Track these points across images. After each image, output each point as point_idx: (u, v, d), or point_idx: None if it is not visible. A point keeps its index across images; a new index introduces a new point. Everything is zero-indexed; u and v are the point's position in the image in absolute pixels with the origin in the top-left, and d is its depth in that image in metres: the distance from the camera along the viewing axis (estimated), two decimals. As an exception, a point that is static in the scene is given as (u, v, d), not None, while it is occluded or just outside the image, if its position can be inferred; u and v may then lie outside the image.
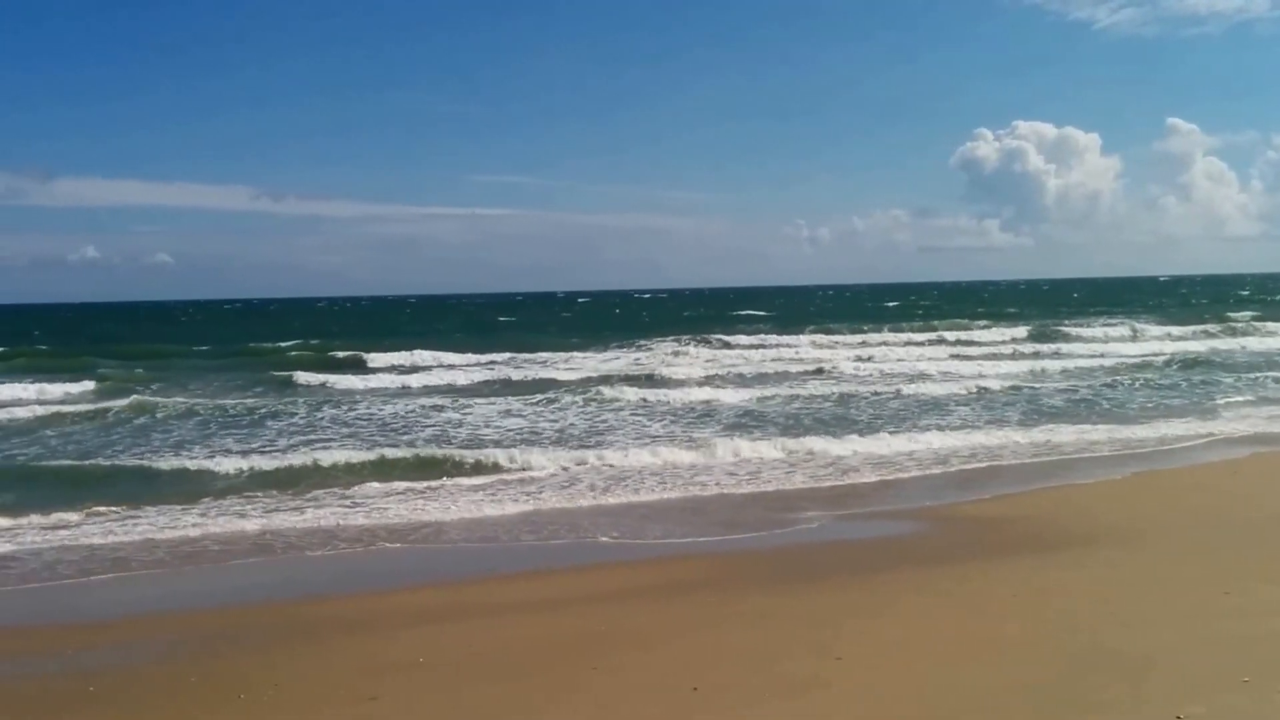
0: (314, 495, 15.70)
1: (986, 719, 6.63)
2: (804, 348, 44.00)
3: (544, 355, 41.46)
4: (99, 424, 23.33)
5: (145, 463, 18.39)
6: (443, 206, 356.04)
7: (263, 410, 24.81)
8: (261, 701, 7.42)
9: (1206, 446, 18.85)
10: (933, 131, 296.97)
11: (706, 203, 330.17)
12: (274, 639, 9.06)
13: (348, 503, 15.18)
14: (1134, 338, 47.95)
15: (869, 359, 38.06)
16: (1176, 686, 6.97)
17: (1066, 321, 58.33)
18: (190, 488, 16.24)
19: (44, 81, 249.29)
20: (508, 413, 24.34)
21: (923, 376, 31.51)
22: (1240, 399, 25.55)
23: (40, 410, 25.06)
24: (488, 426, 22.46)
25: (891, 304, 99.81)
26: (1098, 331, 49.95)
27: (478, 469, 17.42)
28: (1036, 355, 39.84)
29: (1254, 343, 44.24)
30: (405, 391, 30.66)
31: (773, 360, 38.22)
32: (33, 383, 31.72)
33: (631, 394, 26.87)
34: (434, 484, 16.32)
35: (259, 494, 15.82)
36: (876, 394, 27.34)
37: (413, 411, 24.61)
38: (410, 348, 42.88)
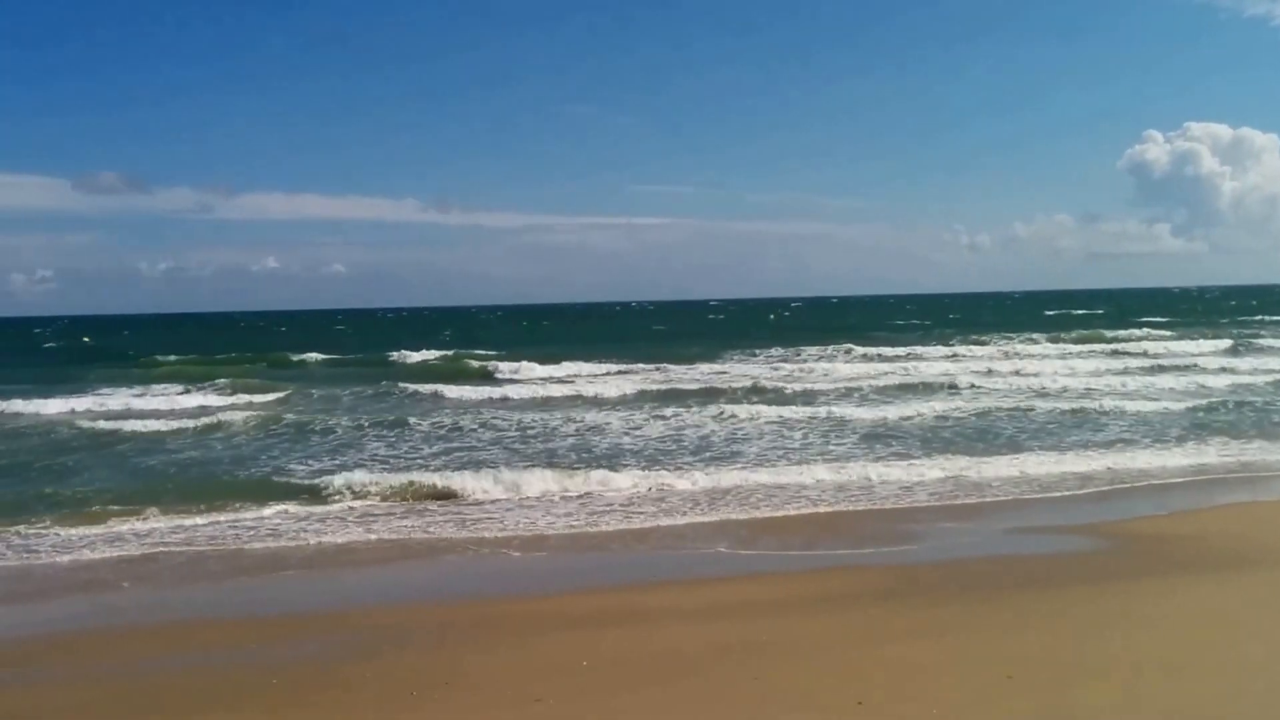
0: (474, 502, 16.09)
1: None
2: (964, 358, 42.60)
3: (691, 364, 41.55)
4: (259, 431, 24.27)
5: (305, 468, 19.19)
6: (601, 216, 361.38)
7: (410, 418, 25.31)
8: (432, 699, 7.64)
9: None
10: (1099, 134, 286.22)
11: (864, 209, 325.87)
12: (444, 639, 9.32)
13: (503, 510, 15.52)
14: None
15: (1027, 371, 36.40)
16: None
17: (1264, 332, 54.99)
18: (346, 495, 16.77)
19: (231, 105, 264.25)
20: (649, 423, 24.28)
21: (1125, 394, 29.33)
22: None
23: (225, 417, 26.25)
24: (628, 436, 22.59)
25: (1052, 312, 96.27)
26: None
27: (620, 480, 17.46)
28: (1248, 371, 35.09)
29: None
30: (548, 401, 30.71)
31: (924, 369, 37.25)
32: (211, 391, 33.48)
33: (773, 406, 26.51)
34: (584, 493, 16.52)
35: (416, 502, 16.29)
36: (1061, 411, 26.08)
37: (556, 421, 24.76)
38: (561, 357, 43.39)
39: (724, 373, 38.01)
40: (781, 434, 22.53)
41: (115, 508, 15.47)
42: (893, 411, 25.24)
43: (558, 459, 19.65)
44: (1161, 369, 36.46)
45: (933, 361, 41.30)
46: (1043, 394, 29.63)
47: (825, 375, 36.67)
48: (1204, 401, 26.52)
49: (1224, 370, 35.46)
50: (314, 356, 50.42)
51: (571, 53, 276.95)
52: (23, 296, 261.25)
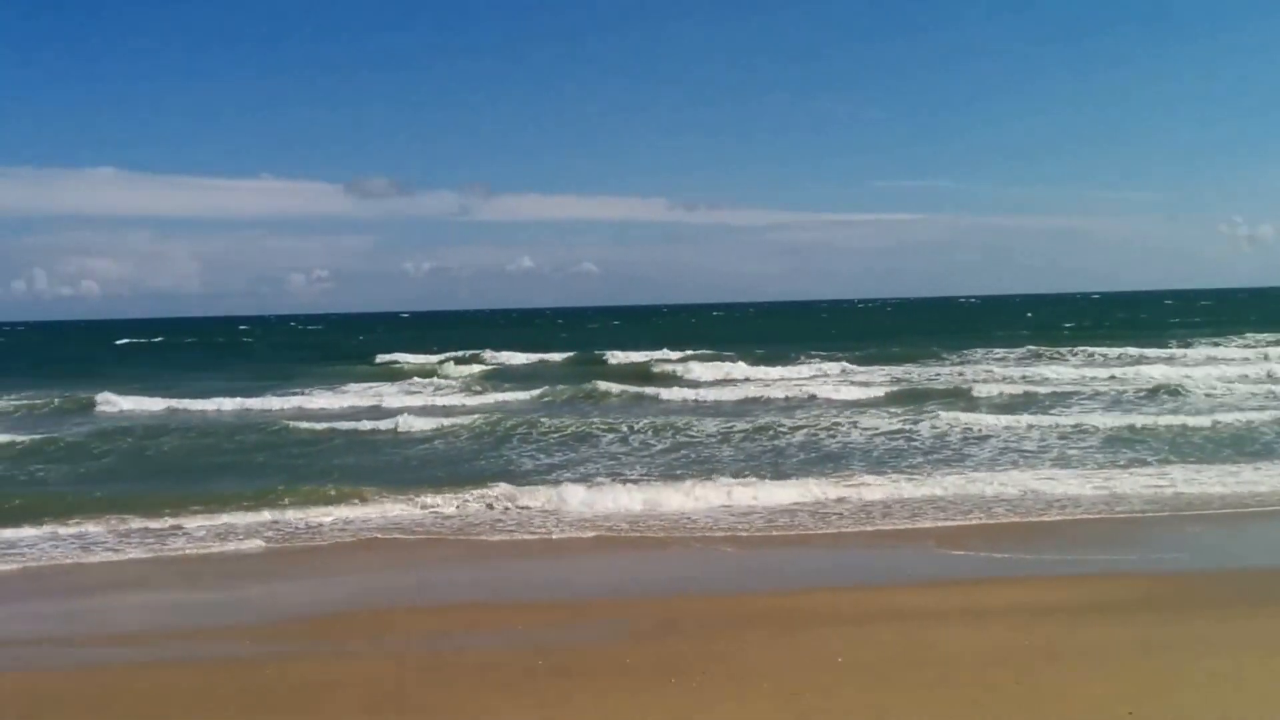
0: (721, 506, 16.36)
1: None
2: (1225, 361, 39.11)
3: (931, 363, 40.61)
4: (495, 428, 25.32)
5: (535, 463, 20.10)
6: (847, 212, 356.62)
7: (645, 418, 25.39)
8: (690, 687, 7.85)
9: None
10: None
11: (1130, 201, 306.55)
12: (707, 628, 9.54)
13: (749, 509, 15.71)
14: None
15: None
16: None
17: None
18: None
19: (490, 111, 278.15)
20: (886, 423, 23.71)
21: None
22: None
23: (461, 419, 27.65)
24: (862, 436, 22.26)
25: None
26: None
27: (866, 480, 17.29)
28: None
29: None
30: (785, 401, 30.13)
31: (1182, 372, 34.29)
32: (451, 392, 35.12)
33: (1017, 411, 25.42)
34: (822, 498, 16.33)
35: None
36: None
37: (793, 421, 24.34)
38: (800, 356, 43.12)
39: (961, 373, 36.61)
40: (1026, 437, 21.61)
41: (387, 494, 16.55)
42: (1141, 418, 23.64)
43: (789, 460, 19.76)
44: None
45: (1192, 366, 37.79)
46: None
47: (1074, 376, 34.72)
48: None
49: None
50: (555, 357, 51.10)
51: (818, 47, 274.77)
52: (301, 295, 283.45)
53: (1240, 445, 20.21)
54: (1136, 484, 16.61)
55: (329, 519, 15.16)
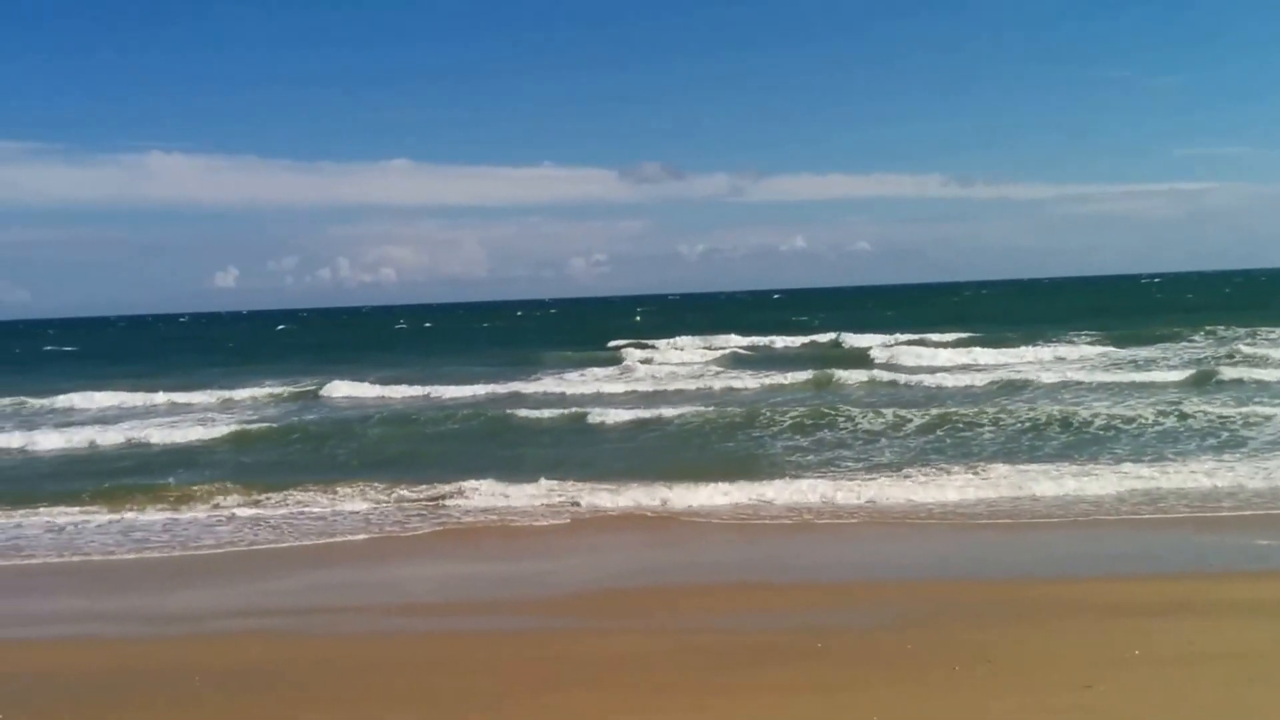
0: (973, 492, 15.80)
1: None
2: None
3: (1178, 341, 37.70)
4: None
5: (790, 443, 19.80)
6: (1141, 183, 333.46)
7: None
8: (974, 675, 7.64)
9: None
10: None
11: None
12: (985, 616, 9.28)
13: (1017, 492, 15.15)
14: None
15: None
16: None
17: None
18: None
19: (761, 93, 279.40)
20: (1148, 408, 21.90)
21: None
22: None
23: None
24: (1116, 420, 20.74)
25: None
26: None
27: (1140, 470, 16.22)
28: None
29: None
30: (1025, 385, 27.79)
31: None
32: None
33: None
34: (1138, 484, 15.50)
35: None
36: None
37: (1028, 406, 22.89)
38: (1055, 336, 40.68)
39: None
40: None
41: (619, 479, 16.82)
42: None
43: (1049, 444, 18.84)
44: None
45: None
46: None
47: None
48: None
49: None
50: (819, 338, 50.14)
51: (1102, 9, 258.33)
52: (582, 279, 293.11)
53: None
54: None
55: (607, 500, 15.53)
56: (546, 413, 25.21)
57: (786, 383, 29.51)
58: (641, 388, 30.91)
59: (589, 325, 76.32)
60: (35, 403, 32.27)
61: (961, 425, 20.95)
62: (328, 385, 33.21)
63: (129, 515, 15.86)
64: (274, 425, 25.24)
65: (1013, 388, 27.25)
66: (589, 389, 31.02)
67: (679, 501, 15.17)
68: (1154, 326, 45.13)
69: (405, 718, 7.37)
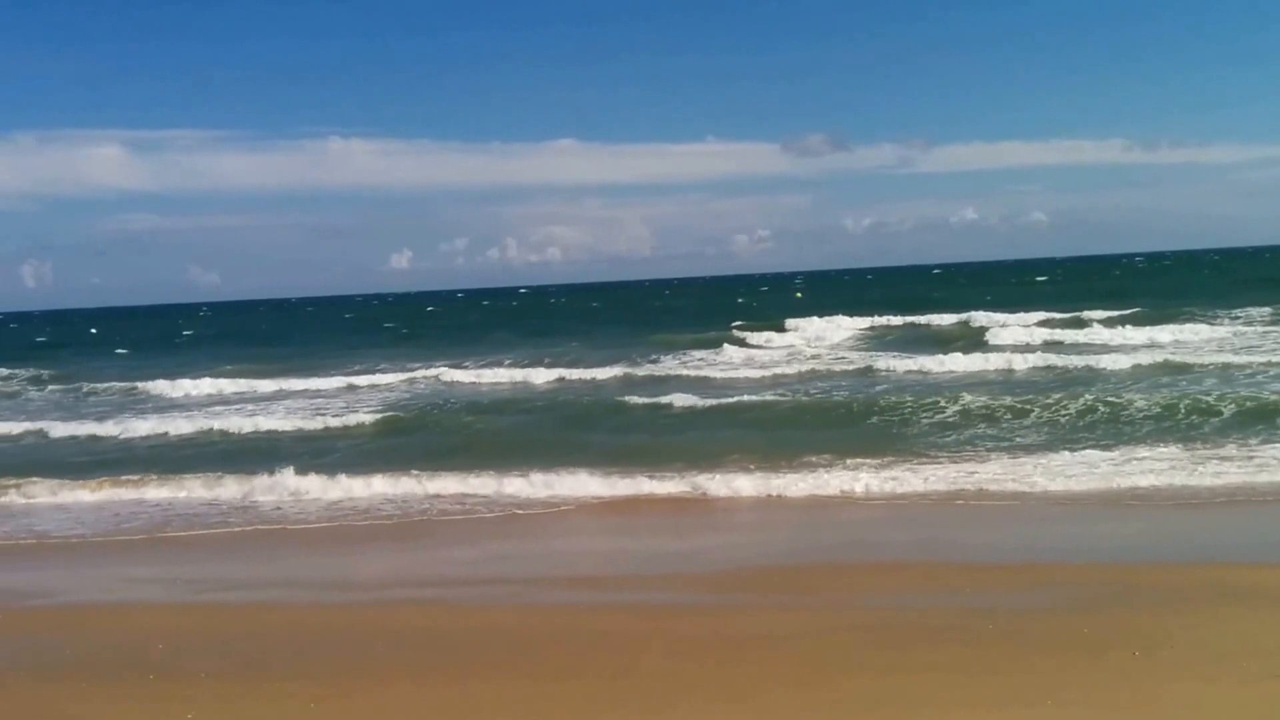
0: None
1: None
2: None
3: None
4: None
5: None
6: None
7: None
8: (1155, 661, 7.44)
9: None
10: None
11: None
12: (1171, 600, 8.96)
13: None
14: None
15: None
16: None
17: None
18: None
19: (928, 62, 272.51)
20: None
21: None
22: None
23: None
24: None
25: None
26: None
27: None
28: None
29: None
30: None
31: None
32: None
33: None
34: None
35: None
36: None
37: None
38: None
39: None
40: None
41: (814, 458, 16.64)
42: None
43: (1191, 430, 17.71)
44: None
45: None
46: None
47: None
48: None
49: None
50: (979, 317, 47.20)
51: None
52: (744, 256, 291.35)
53: None
54: None
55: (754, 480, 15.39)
56: (674, 399, 23.57)
57: (934, 368, 27.38)
58: (782, 370, 29.59)
59: (738, 303, 75.72)
60: (145, 386, 33.13)
61: (1124, 405, 19.58)
62: (431, 370, 32.79)
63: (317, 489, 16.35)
64: (430, 406, 25.78)
65: (1179, 370, 25.07)
66: (717, 372, 30.20)
67: (834, 481, 15.02)
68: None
69: (583, 689, 7.55)
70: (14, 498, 16.94)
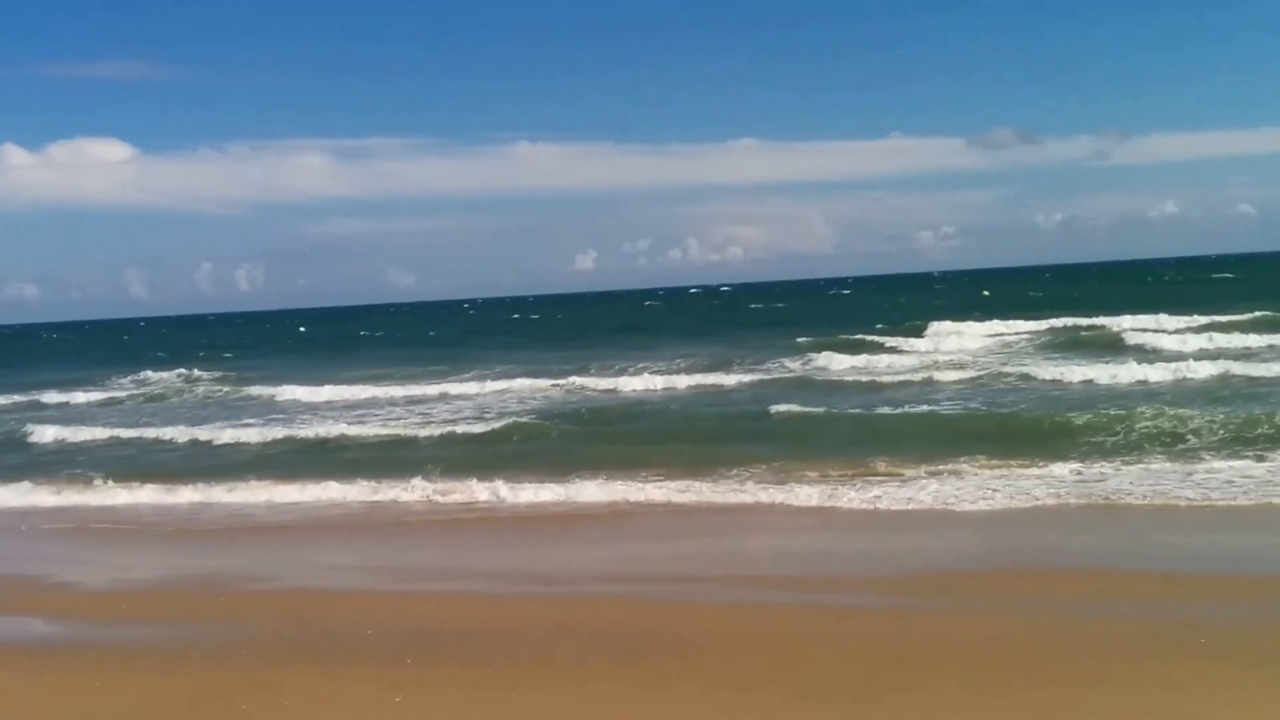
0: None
1: None
2: None
3: None
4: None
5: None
6: None
7: None
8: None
9: None
10: None
11: None
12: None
13: None
14: None
15: None
16: None
17: None
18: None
19: (1122, 48, 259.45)
20: None
21: None
22: None
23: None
24: None
25: None
26: None
27: None
28: None
29: None
30: None
31: None
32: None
33: None
34: None
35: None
36: None
37: None
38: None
39: None
40: None
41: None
42: None
43: None
44: None
45: None
46: None
47: None
48: None
49: None
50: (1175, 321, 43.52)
51: None
52: (929, 253, 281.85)
53: None
54: None
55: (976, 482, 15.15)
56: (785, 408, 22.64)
57: (1102, 377, 24.92)
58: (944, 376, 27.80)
59: (899, 302, 73.84)
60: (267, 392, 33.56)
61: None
62: (571, 378, 31.86)
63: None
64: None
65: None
66: (861, 375, 29.13)
67: (1008, 485, 14.64)
68: None
69: (775, 693, 7.56)
70: (240, 495, 17.68)
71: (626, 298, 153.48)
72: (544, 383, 31.68)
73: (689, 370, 32.26)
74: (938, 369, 29.53)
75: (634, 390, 29.59)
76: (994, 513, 13.54)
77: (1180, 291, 62.82)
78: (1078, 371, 25.78)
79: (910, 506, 13.97)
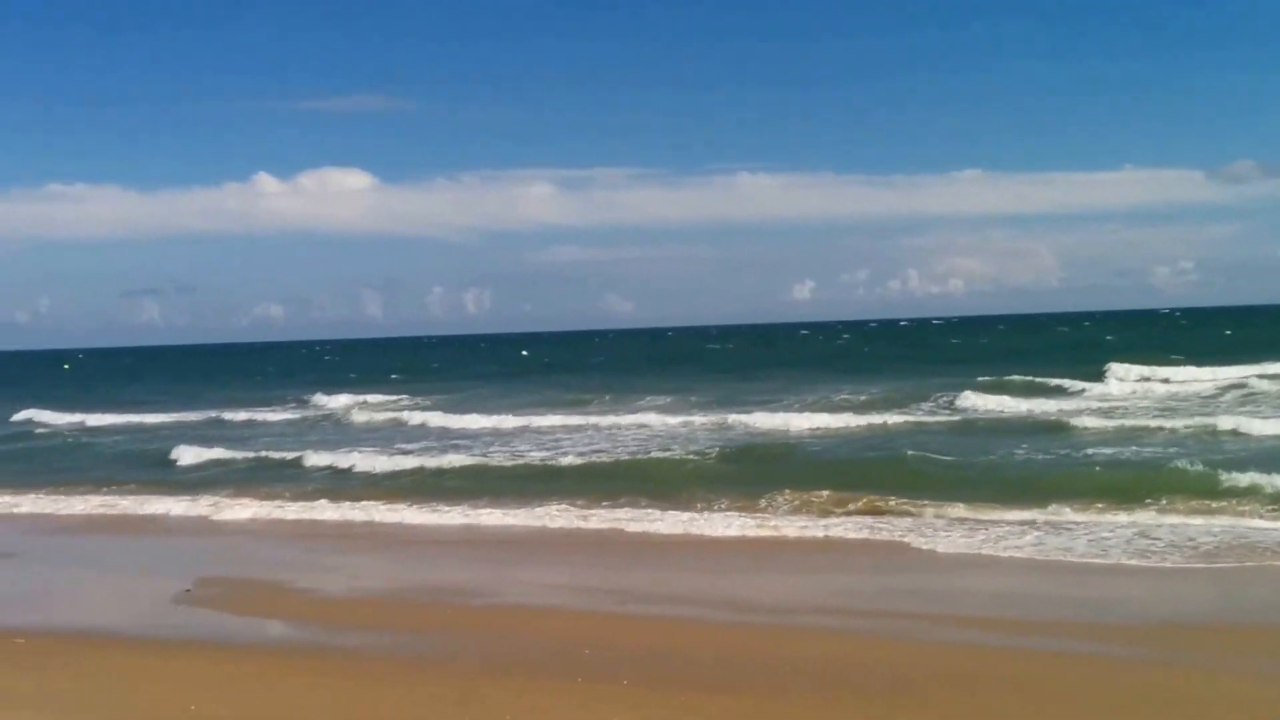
0: None
1: None
2: None
3: None
4: None
5: None
6: None
7: None
8: None
9: None
10: None
11: None
12: None
13: None
14: None
15: None
16: None
17: None
18: None
19: None
20: None
21: None
22: None
23: None
24: None
25: None
26: None
27: None
28: None
29: None
30: None
31: None
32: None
33: None
34: None
35: None
36: None
37: None
38: None
39: None
40: None
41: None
42: None
43: None
44: None
45: None
46: None
47: None
48: None
49: None
50: None
51: None
52: (1165, 289, 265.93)
53: None
54: None
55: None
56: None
57: None
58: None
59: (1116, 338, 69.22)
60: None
61: None
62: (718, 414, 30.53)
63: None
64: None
65: None
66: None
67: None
68: None
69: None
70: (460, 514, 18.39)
71: (829, 329, 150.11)
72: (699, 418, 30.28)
73: (845, 408, 30.98)
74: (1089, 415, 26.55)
75: (806, 428, 27.73)
76: (1233, 566, 12.71)
77: None
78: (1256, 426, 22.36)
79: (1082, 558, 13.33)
